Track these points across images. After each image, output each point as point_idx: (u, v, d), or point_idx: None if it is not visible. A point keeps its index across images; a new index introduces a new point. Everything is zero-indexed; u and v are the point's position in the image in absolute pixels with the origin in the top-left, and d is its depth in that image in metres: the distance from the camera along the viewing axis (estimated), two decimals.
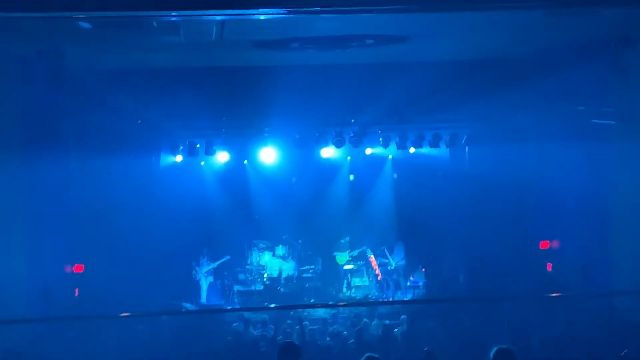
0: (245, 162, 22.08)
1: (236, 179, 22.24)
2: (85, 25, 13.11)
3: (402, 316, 16.97)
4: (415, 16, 14.13)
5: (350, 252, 22.02)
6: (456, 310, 16.38)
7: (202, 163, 21.70)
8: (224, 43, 15.65)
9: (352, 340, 15.04)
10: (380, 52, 17.81)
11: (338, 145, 20.83)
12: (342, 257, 22.03)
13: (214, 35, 14.78)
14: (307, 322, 16.40)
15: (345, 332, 16.14)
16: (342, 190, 22.49)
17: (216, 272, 21.58)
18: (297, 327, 15.46)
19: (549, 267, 19.29)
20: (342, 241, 22.18)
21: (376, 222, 22.29)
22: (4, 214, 16.03)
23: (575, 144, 18.30)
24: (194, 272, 21.35)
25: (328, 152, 21.95)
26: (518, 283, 18.07)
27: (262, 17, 11.82)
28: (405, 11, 12.33)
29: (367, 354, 7.87)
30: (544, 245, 19.70)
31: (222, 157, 21.58)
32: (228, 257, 21.55)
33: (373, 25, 14.82)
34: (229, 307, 20.60)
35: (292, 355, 8.31)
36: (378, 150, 22.04)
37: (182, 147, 20.80)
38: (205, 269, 21.38)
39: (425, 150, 21.54)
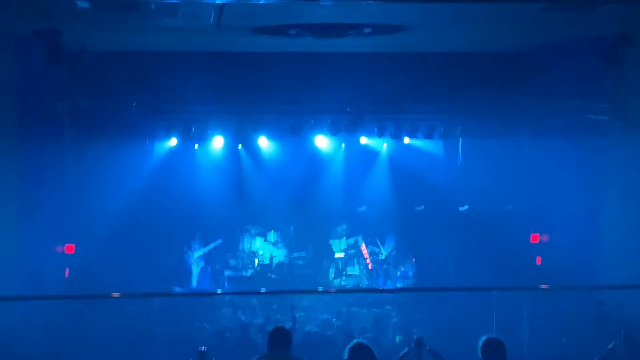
0: (240, 147, 22.05)
1: (230, 164, 22.22)
2: (83, 4, 13.06)
3: (387, 306, 17.05)
4: (413, 6, 14.14)
5: (346, 240, 22.05)
6: (446, 300, 16.46)
7: (196, 147, 21.65)
8: (222, 28, 15.63)
9: (341, 327, 15.12)
10: (377, 42, 17.82)
11: (333, 132, 20.84)
12: (338, 245, 22.06)
13: (212, 19, 14.75)
14: (297, 310, 16.44)
15: (334, 320, 16.20)
16: (336, 178, 22.48)
17: (207, 257, 21.57)
18: (287, 314, 15.49)
19: (539, 260, 19.36)
20: (339, 229, 22.19)
21: (371, 211, 22.29)
22: None
23: (569, 139, 18.36)
24: (185, 256, 21.33)
25: (322, 140, 21.96)
26: (507, 275, 18.12)
27: (261, 1, 11.82)
28: (404, 0, 12.35)
29: (355, 340, 7.89)
30: (535, 238, 19.77)
31: (216, 141, 21.55)
32: (220, 240, 21.53)
33: (371, 14, 14.80)
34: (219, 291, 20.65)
35: (283, 340, 8.33)
36: (373, 139, 22.04)
37: (176, 131, 20.75)
38: (197, 253, 21.37)
39: (420, 141, 21.55)
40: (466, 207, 21.61)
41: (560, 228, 18.95)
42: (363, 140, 22.15)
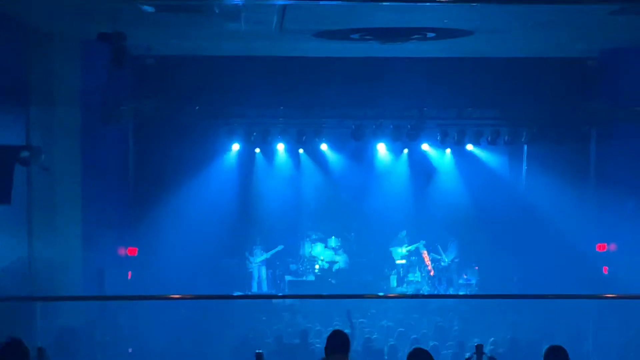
0: (301, 152, 22.02)
1: (291, 169, 22.22)
2: (148, 8, 13.18)
3: (449, 314, 16.87)
4: (479, 10, 13.98)
5: (407, 246, 21.88)
6: (508, 308, 16.22)
7: (258, 151, 21.66)
8: (285, 32, 15.63)
9: (401, 334, 14.99)
10: (441, 47, 17.66)
11: (395, 138, 20.69)
12: (398, 252, 21.91)
13: (274, 23, 14.76)
14: (356, 317, 16.35)
15: (395, 327, 16.08)
16: (398, 184, 22.31)
17: (268, 262, 21.61)
18: (346, 319, 15.40)
19: (605, 270, 18.95)
20: (400, 236, 22.04)
21: (433, 219, 22.08)
22: (62, 197, 16.22)
23: (636, 146, 17.97)
24: (247, 262, 21.40)
25: (384, 146, 21.86)
26: (573, 285, 17.78)
27: (321, 2, 11.75)
28: (469, 1, 12.19)
29: (415, 346, 7.77)
30: (601, 247, 19.36)
31: (278, 147, 21.58)
32: (281, 246, 21.56)
33: (436, 18, 14.66)
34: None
35: (341, 344, 8.21)
36: (435, 146, 21.83)
37: (238, 136, 20.79)
38: (258, 258, 21.42)
39: (483, 147, 21.28)
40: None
41: (628, 237, 18.52)
42: (425, 147, 21.94)
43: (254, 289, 21.36)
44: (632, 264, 17.85)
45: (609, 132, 19.36)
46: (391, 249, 21.97)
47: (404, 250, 21.88)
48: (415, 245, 21.86)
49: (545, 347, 7.58)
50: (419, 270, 21.72)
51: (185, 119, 19.42)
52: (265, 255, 21.48)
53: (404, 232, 21.96)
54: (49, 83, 15.88)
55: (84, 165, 16.98)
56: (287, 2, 12.38)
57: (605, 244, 19.37)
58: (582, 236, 19.69)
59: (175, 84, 19.26)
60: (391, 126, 20.39)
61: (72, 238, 16.46)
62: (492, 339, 14.95)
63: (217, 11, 13.59)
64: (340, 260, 22.04)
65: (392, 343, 14.86)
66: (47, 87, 15.83)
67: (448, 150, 21.97)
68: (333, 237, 22.18)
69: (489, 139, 20.64)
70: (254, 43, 17.39)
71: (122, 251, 19.48)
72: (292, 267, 21.81)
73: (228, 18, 14.30)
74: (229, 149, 21.42)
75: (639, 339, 14.79)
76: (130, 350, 14.92)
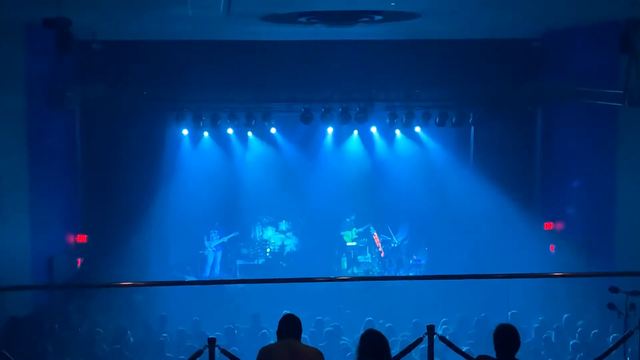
0: (250, 135, 21.98)
1: (241, 152, 22.17)
2: None
3: (398, 295, 17.03)
4: None
5: (356, 229, 21.99)
6: (458, 288, 16.40)
7: (206, 134, 21.54)
8: (232, 16, 15.55)
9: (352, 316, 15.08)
10: (388, 29, 17.72)
11: (344, 121, 20.74)
12: (348, 236, 22.02)
13: (221, 7, 14.67)
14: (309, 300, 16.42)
15: (346, 309, 16.15)
16: (347, 167, 22.37)
17: (223, 247, 21.60)
18: (298, 303, 15.44)
19: (552, 248, 19.27)
20: (348, 220, 22.14)
21: (382, 201, 22.20)
22: (9, 184, 16.02)
23: (582, 125, 18.26)
24: (202, 247, 21.38)
25: (333, 129, 21.89)
26: (521, 264, 18.04)
27: None
28: None
29: (367, 328, 7.83)
30: (548, 226, 19.67)
31: (227, 131, 21.51)
32: (237, 232, 21.58)
33: (383, 1, 14.69)
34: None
35: (294, 327, 8.23)
36: (384, 128, 21.92)
37: (187, 120, 20.67)
38: (215, 243, 21.41)
39: (431, 129, 21.41)
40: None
41: (574, 215, 18.85)
42: (373, 129, 22.02)
43: (207, 274, 21.34)
44: (578, 242, 18.20)
45: (554, 112, 19.64)
46: (342, 233, 22.07)
47: (353, 233, 21.99)
48: (363, 228, 21.96)
49: (495, 325, 7.69)
50: (370, 252, 21.87)
51: (133, 104, 19.27)
52: (222, 240, 21.47)
53: (353, 216, 22.06)
54: None
55: (30, 152, 16.78)
56: None
57: (552, 223, 19.69)
58: (529, 215, 20.00)
59: (122, 69, 19.10)
60: (340, 109, 20.43)
61: (20, 226, 16.28)
62: (444, 319, 15.15)
63: None
64: (291, 243, 22.09)
65: (343, 325, 14.95)
66: None
67: (397, 132, 22.06)
68: (284, 220, 22.21)
69: (437, 120, 20.78)
70: (201, 27, 17.28)
71: (71, 238, 19.33)
72: (244, 251, 21.82)
73: (175, 2, 14.19)
74: (178, 134, 21.30)
75: (585, 316, 15.07)
76: (79, 329, 14.81)
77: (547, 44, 19.62)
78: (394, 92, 19.92)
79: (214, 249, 21.44)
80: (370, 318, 15.01)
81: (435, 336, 8.72)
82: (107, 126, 19.64)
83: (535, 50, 19.88)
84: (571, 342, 13.77)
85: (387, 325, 14.56)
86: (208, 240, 21.39)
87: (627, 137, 16.74)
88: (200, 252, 21.43)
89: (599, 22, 16.75)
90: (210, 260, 21.47)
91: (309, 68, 19.55)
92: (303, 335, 8.20)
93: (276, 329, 8.10)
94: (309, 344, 8.82)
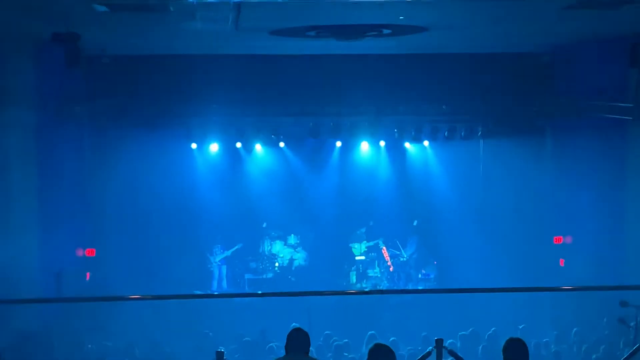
0: (259, 149, 21.95)
1: (249, 166, 22.16)
2: (102, 8, 13.08)
3: (407, 309, 16.98)
4: (434, 6, 14.07)
5: (367, 243, 21.95)
6: (467, 302, 16.34)
7: (215, 149, 21.47)
8: (241, 31, 15.60)
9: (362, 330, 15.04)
10: (397, 44, 17.73)
11: (352, 135, 20.75)
12: (357, 248, 21.97)
13: (230, 22, 14.72)
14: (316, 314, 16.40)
15: (355, 323, 16.13)
16: (356, 181, 22.34)
17: (228, 261, 21.57)
18: (306, 317, 15.42)
19: (562, 262, 19.19)
20: (358, 232, 22.10)
21: (391, 215, 22.15)
22: (18, 197, 16.05)
23: (592, 139, 18.20)
24: (207, 261, 21.34)
25: (342, 143, 21.87)
26: (531, 277, 17.98)
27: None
28: None
29: (375, 342, 7.80)
30: (558, 240, 19.60)
31: (237, 144, 21.50)
32: (241, 244, 21.52)
33: (391, 15, 14.70)
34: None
35: (301, 342, 8.23)
36: (392, 143, 21.90)
37: (195, 134, 20.69)
38: (219, 257, 21.38)
39: (440, 143, 21.39)
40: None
41: (584, 229, 18.77)
42: (382, 143, 22.00)
43: (214, 288, 21.31)
44: (588, 256, 18.12)
45: (563, 126, 19.58)
46: (351, 244, 22.03)
47: (363, 246, 21.95)
48: (374, 242, 21.93)
49: (504, 339, 7.65)
50: (378, 266, 21.82)
51: (141, 118, 19.28)
52: (225, 254, 21.44)
53: (363, 229, 22.03)
54: (4, 84, 15.70)
55: (39, 166, 16.83)
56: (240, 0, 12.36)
57: (562, 237, 19.62)
58: (539, 229, 19.93)
59: (131, 83, 19.13)
60: (348, 123, 20.43)
61: (29, 239, 16.30)
62: (450, 333, 15.07)
63: (172, 10, 13.52)
64: (300, 257, 22.05)
65: (350, 339, 14.91)
66: (2, 88, 15.64)
67: (407, 145, 22.03)
68: (292, 234, 22.18)
69: (446, 134, 20.78)
70: (210, 42, 17.33)
71: (80, 252, 19.34)
72: (252, 265, 21.78)
73: (183, 17, 14.23)
74: (187, 148, 21.31)
75: (595, 330, 14.99)
76: (89, 346, 14.79)
77: (556, 58, 19.59)
78: (402, 106, 19.90)
79: (219, 263, 21.41)
80: (373, 332, 14.94)
81: (444, 350, 8.67)
82: (115, 140, 19.66)
83: (544, 65, 19.86)
84: (581, 357, 13.70)
85: (391, 339, 14.47)
86: (211, 254, 21.37)
87: (637, 151, 16.69)
88: (207, 266, 21.42)
89: (608, 36, 16.73)
90: (216, 275, 21.44)
91: (317, 82, 19.56)
92: (310, 349, 8.18)
93: (284, 343, 8.08)
94: (316, 358, 8.78)
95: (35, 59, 16.50)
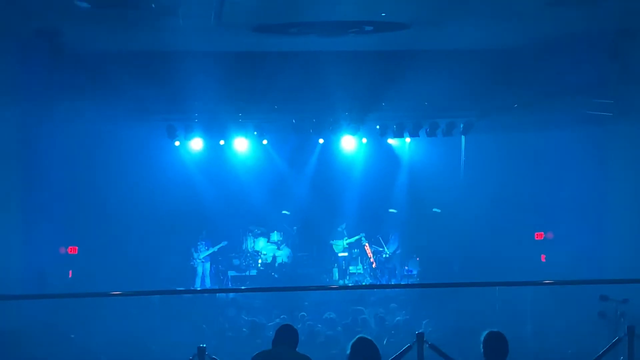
0: (242, 146, 21.96)
1: (232, 163, 22.18)
2: (84, 4, 13.06)
3: (392, 304, 17.01)
4: (416, 2, 14.11)
5: (347, 239, 21.99)
6: (449, 297, 16.41)
7: (199, 146, 21.48)
8: (223, 27, 15.59)
9: (345, 325, 15.07)
10: (379, 40, 17.74)
11: (335, 132, 20.81)
12: (339, 245, 22.01)
13: (212, 18, 14.72)
14: (300, 310, 16.43)
15: (338, 319, 16.16)
16: (338, 177, 22.41)
17: (212, 258, 21.57)
18: (291, 313, 15.45)
19: (543, 258, 19.31)
20: (339, 229, 22.14)
21: (371, 211, 22.23)
22: (1, 196, 16.01)
23: (573, 135, 18.31)
24: (191, 258, 21.32)
25: (325, 139, 21.91)
26: (512, 272, 18.06)
27: None
28: None
29: (358, 336, 7.84)
30: (539, 236, 19.72)
31: (220, 142, 21.52)
32: (226, 242, 21.53)
33: (373, 11, 14.73)
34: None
35: (290, 337, 8.30)
36: (374, 139, 21.97)
37: (177, 131, 20.71)
38: (203, 254, 21.36)
39: (422, 139, 21.47)
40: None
41: (565, 225, 18.89)
42: (364, 140, 22.06)
43: (197, 285, 21.31)
44: (569, 251, 18.24)
45: (544, 122, 19.67)
46: (332, 242, 22.07)
47: (344, 243, 21.99)
48: (355, 238, 21.97)
49: (484, 332, 7.69)
50: (361, 263, 21.88)
51: (124, 115, 19.24)
52: (210, 250, 21.43)
53: (343, 225, 22.08)
54: None
55: (22, 164, 16.77)
56: None
57: (543, 233, 19.74)
58: (520, 225, 20.03)
59: (114, 80, 19.07)
60: (331, 120, 20.47)
61: (12, 238, 16.26)
62: (431, 328, 15.13)
63: (153, 6, 13.51)
64: (283, 254, 22.08)
65: (334, 333, 14.94)
66: None
67: (389, 141, 22.10)
68: (275, 231, 22.20)
69: (428, 130, 20.85)
70: (192, 38, 17.29)
71: (62, 250, 19.31)
72: (235, 262, 21.81)
73: (165, 13, 14.22)
74: (170, 146, 21.30)
75: (575, 324, 15.09)
76: (72, 336, 14.78)
77: (537, 53, 19.64)
78: (384, 102, 19.92)
79: (202, 260, 21.40)
80: (359, 328, 14.99)
81: (425, 344, 8.73)
82: (98, 138, 19.63)
83: (525, 60, 19.91)
84: (560, 351, 13.78)
85: (375, 333, 14.53)
86: (196, 251, 21.35)
87: (617, 146, 16.81)
88: (190, 263, 21.41)
89: (588, 31, 16.81)
90: (199, 272, 21.44)
91: (300, 79, 19.54)
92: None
93: (271, 339, 8.16)
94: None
95: (19, 55, 16.42)
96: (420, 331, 8.81)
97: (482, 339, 7.59)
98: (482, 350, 7.54)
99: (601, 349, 9.61)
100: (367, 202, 22.39)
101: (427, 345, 8.75)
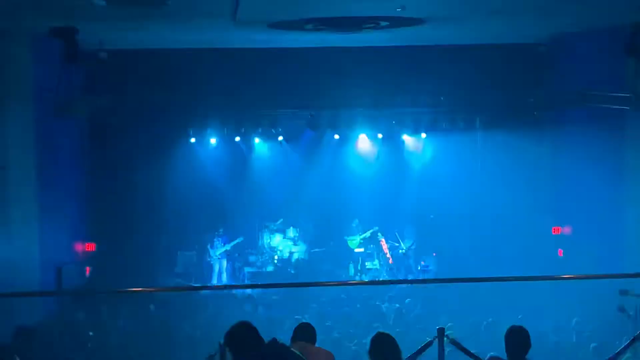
0: (257, 141, 22.00)
1: (248, 159, 22.20)
2: (100, 2, 13.08)
3: (407, 299, 16.98)
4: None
5: (360, 235, 21.95)
6: (468, 292, 16.36)
7: (214, 142, 21.50)
8: (239, 24, 15.61)
9: (362, 321, 15.05)
10: (395, 36, 17.73)
11: (350, 127, 20.83)
12: (353, 241, 21.98)
13: (228, 15, 14.73)
14: (318, 305, 16.42)
15: (355, 314, 16.15)
16: (354, 173, 22.38)
17: (228, 255, 21.58)
18: (307, 309, 15.44)
19: (560, 252, 19.23)
20: (353, 225, 22.12)
21: (388, 207, 22.18)
22: (17, 192, 16.07)
23: (589, 130, 18.21)
24: (207, 255, 21.35)
25: (339, 136, 21.88)
26: (530, 267, 18.00)
27: None
28: None
29: (378, 331, 7.84)
30: (556, 230, 19.63)
31: (235, 138, 21.53)
32: (241, 238, 21.53)
33: (388, 7, 14.70)
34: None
35: (308, 334, 8.32)
36: (390, 134, 21.93)
37: (194, 128, 20.76)
38: (219, 251, 21.37)
39: (439, 134, 21.40)
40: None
41: (582, 219, 18.79)
42: (380, 135, 22.00)
43: (214, 282, 21.33)
44: (587, 246, 18.14)
45: (561, 117, 19.60)
46: (346, 237, 22.04)
47: (359, 238, 21.95)
48: (369, 232, 21.90)
49: (504, 329, 7.69)
50: (377, 258, 21.84)
51: (140, 112, 19.29)
52: (225, 247, 21.45)
53: (356, 221, 22.03)
54: (2, 78, 15.71)
55: (38, 162, 16.83)
56: None
57: (560, 227, 19.66)
58: (537, 220, 19.96)
59: (129, 77, 19.13)
60: (346, 116, 20.46)
61: (29, 235, 16.32)
62: (450, 323, 15.10)
63: (169, 3, 13.53)
64: (299, 250, 22.07)
65: (354, 330, 14.93)
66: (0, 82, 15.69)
67: (405, 137, 22.05)
68: (292, 227, 22.20)
69: (444, 126, 20.80)
70: (208, 35, 17.33)
71: (79, 247, 19.36)
72: (252, 258, 21.82)
73: (181, 10, 14.24)
74: (186, 142, 21.34)
75: (595, 319, 15.02)
76: (91, 333, 14.81)
77: (553, 48, 19.60)
78: (400, 98, 19.90)
79: (219, 256, 21.41)
80: (378, 324, 14.95)
81: (445, 339, 8.70)
82: (114, 135, 19.70)
83: (541, 55, 19.88)
84: (580, 346, 13.72)
85: (396, 330, 14.50)
86: (212, 248, 21.37)
87: (635, 140, 16.71)
88: (208, 260, 21.44)
89: (604, 26, 16.74)
90: (216, 268, 21.45)
91: (315, 75, 19.58)
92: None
93: (289, 335, 8.18)
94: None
95: (33, 54, 16.49)
96: (440, 326, 8.75)
97: (504, 334, 7.58)
98: (505, 343, 7.54)
99: (622, 343, 9.54)
100: (383, 197, 22.33)
101: (448, 340, 8.71)
